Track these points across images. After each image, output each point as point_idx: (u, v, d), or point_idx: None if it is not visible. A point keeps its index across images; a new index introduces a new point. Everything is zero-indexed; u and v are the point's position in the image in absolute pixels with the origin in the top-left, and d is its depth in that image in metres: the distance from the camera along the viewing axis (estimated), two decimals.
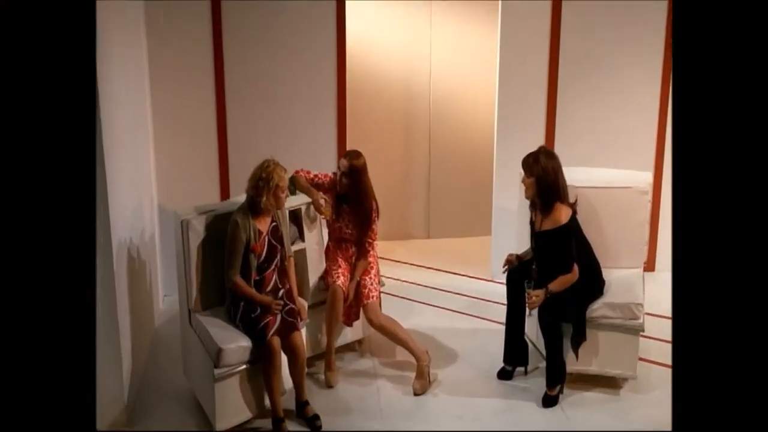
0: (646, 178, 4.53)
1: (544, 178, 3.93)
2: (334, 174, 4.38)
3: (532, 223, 4.15)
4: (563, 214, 3.96)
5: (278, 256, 3.94)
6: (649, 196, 4.45)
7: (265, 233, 3.89)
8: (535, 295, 3.96)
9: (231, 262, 3.81)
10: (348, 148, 5.07)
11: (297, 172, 4.39)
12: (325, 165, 5.10)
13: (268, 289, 3.91)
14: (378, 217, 4.36)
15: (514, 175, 4.94)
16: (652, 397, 4.14)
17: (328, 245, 4.50)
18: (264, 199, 3.81)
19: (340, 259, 4.38)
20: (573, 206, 4.05)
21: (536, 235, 4.06)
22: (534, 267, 4.10)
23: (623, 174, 4.57)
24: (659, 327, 4.74)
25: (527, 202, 4.34)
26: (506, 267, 4.25)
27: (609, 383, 4.24)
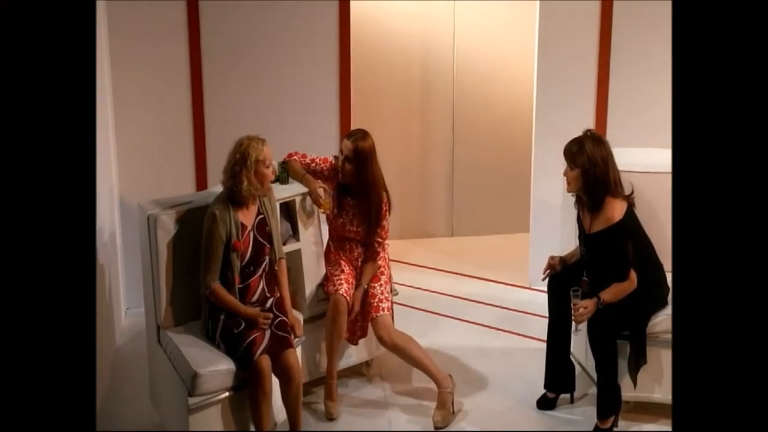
0: None
1: (591, 170, 3.92)
2: (336, 159, 4.33)
3: (579, 221, 4.10)
4: (617, 210, 3.94)
5: (266, 258, 3.90)
6: None
7: (249, 228, 3.85)
8: (583, 307, 3.92)
9: (208, 265, 3.77)
10: (353, 128, 5.03)
11: (290, 155, 4.37)
12: (325, 149, 5.06)
13: (254, 299, 3.89)
14: (390, 212, 4.33)
15: (558, 160, 4.88)
16: None
17: (328, 245, 4.47)
18: (245, 183, 3.77)
19: (343, 263, 4.34)
20: (629, 199, 3.99)
21: (586, 239, 4.01)
22: (585, 278, 4.07)
23: None
24: None
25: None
26: (548, 272, 4.20)
27: None
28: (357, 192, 4.28)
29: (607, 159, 3.96)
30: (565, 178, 4.04)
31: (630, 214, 4.00)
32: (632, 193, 4.06)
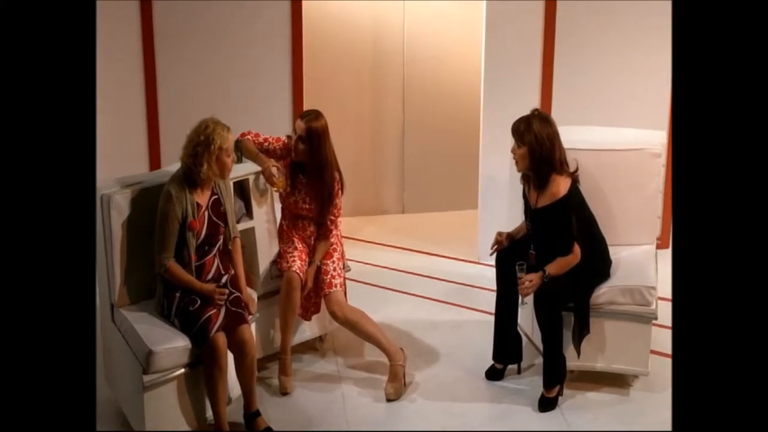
0: (659, 138, 4.52)
1: (537, 148, 3.95)
2: (289, 138, 4.30)
3: (525, 197, 4.14)
4: (561, 186, 3.98)
5: (221, 237, 3.87)
6: (663, 160, 4.46)
7: (204, 207, 3.81)
8: (528, 280, 3.96)
9: (163, 244, 3.72)
10: (305, 108, 5.00)
11: (243, 135, 4.32)
12: (278, 129, 5.03)
13: (209, 277, 3.85)
14: (342, 191, 4.32)
15: (505, 138, 4.91)
16: (667, 397, 4.14)
17: (281, 224, 4.44)
18: (205, 167, 3.72)
19: (296, 240, 4.32)
20: (573, 175, 4.03)
21: (532, 214, 4.06)
22: (532, 251, 4.11)
23: (631, 134, 4.57)
24: None
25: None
26: (495, 248, 4.23)
27: (616, 381, 4.25)
28: (310, 171, 4.26)
29: (554, 137, 3.98)
30: (513, 155, 4.06)
31: (574, 190, 4.03)
32: (577, 169, 4.10)
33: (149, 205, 3.81)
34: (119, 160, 5.16)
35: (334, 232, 4.35)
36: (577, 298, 4.04)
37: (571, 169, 4.07)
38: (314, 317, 4.42)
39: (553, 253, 4.01)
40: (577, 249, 4.00)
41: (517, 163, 4.04)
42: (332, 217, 4.31)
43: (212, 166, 3.74)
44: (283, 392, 4.20)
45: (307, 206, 4.30)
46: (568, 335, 4.07)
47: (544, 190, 4.01)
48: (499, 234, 4.26)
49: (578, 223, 4.02)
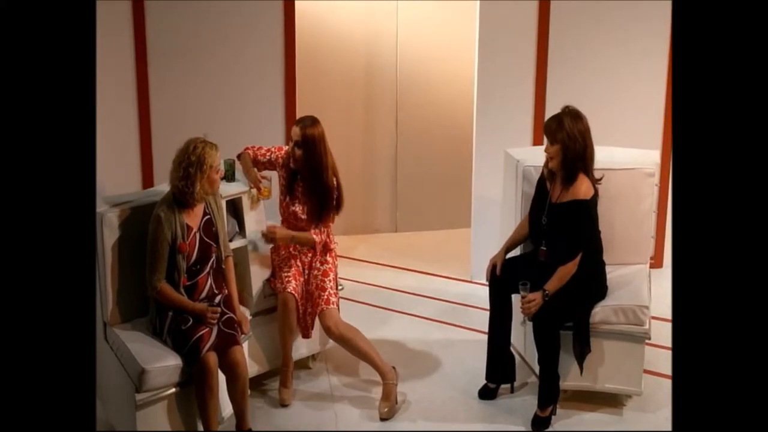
0: (653, 157, 4.55)
1: (570, 144, 3.95)
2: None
3: (540, 190, 4.13)
4: (583, 189, 3.98)
5: (213, 257, 3.88)
6: (656, 179, 4.47)
7: (195, 229, 3.83)
8: (531, 300, 3.97)
9: (154, 267, 3.75)
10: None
11: (246, 149, 4.40)
12: (271, 144, 5.05)
13: (203, 296, 3.87)
14: (341, 199, 4.31)
15: (497, 157, 4.95)
16: (661, 417, 4.18)
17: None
18: (198, 187, 3.75)
19: (292, 261, 4.34)
20: (596, 185, 4.06)
21: (551, 207, 4.06)
22: (543, 248, 4.09)
23: (625, 153, 4.60)
24: (669, 333, 4.77)
25: (512, 190, 4.32)
26: (490, 271, 4.22)
27: (610, 401, 4.27)
28: (308, 176, 4.25)
29: (585, 134, 3.98)
30: (546, 154, 4.05)
31: (594, 200, 4.03)
32: (601, 179, 4.09)
33: (142, 223, 3.83)
34: (112, 178, 5.15)
35: (319, 237, 4.30)
36: (576, 316, 4.04)
37: (597, 176, 4.07)
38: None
39: (562, 252, 4.00)
40: (577, 258, 4.00)
41: (551, 159, 4.02)
42: (322, 227, 4.30)
43: (204, 185, 3.78)
44: (282, 404, 4.24)
45: (305, 218, 4.30)
46: (563, 355, 4.07)
47: (568, 187, 4.00)
48: (494, 258, 4.24)
49: (587, 233, 4.02)
